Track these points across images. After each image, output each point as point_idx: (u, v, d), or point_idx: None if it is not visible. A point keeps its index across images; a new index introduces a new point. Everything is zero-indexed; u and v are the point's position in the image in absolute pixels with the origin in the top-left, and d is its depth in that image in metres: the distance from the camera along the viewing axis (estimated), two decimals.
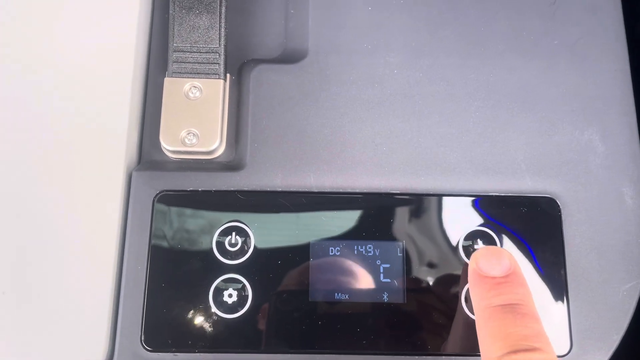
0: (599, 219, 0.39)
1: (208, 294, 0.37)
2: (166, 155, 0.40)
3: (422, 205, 0.39)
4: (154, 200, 0.38)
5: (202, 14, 0.41)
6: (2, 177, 0.38)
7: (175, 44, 0.40)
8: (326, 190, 0.39)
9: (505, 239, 0.38)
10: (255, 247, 0.38)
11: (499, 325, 0.32)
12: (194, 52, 0.40)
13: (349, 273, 0.38)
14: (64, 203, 0.37)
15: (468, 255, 0.38)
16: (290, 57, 0.42)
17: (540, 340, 0.31)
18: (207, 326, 0.37)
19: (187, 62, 0.40)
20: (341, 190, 0.39)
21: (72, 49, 0.40)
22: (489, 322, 0.32)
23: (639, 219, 0.39)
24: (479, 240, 0.38)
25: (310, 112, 0.40)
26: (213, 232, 0.38)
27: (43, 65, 0.40)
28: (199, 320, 0.37)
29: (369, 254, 0.38)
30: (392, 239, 0.38)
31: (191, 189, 0.38)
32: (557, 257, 0.38)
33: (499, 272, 0.34)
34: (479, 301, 0.34)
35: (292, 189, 0.39)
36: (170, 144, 0.39)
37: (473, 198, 0.39)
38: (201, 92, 0.40)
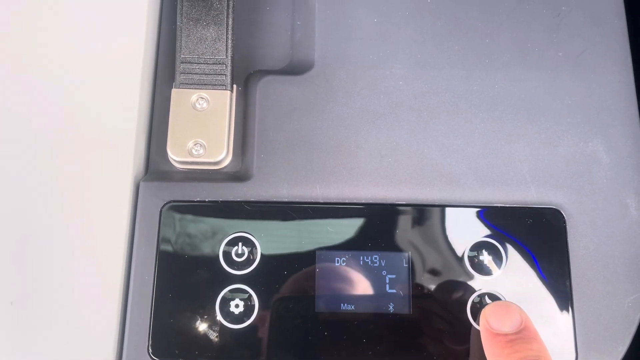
0: (603, 230, 0.39)
1: (215, 304, 0.37)
2: (173, 165, 0.41)
3: (427, 216, 0.39)
4: (161, 211, 0.38)
5: (210, 26, 0.41)
6: (13, 187, 0.38)
7: (182, 55, 0.41)
8: (332, 201, 0.39)
9: (511, 250, 0.38)
10: (261, 257, 0.38)
11: None
12: (201, 63, 0.41)
13: (355, 283, 0.38)
14: (73, 213, 0.38)
15: (473, 266, 0.38)
16: (296, 68, 0.42)
17: None
18: (214, 336, 0.37)
19: (194, 73, 0.41)
20: (347, 201, 0.39)
21: (81, 60, 0.40)
22: None
23: None
24: (484, 250, 0.38)
25: (316, 123, 0.41)
26: (220, 242, 0.38)
27: (51, 76, 0.40)
28: (205, 330, 0.37)
29: (375, 265, 0.38)
30: (398, 249, 0.38)
31: (198, 199, 0.39)
32: (562, 268, 0.38)
33: (511, 329, 0.34)
34: None
35: (298, 200, 0.39)
36: (177, 155, 0.39)
37: (478, 209, 0.39)
38: (208, 103, 0.40)
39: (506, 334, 0.34)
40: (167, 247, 0.38)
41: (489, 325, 0.35)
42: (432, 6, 0.43)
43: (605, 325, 0.38)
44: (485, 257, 0.38)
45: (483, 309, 0.36)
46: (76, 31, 0.41)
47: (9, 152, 0.39)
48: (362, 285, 0.38)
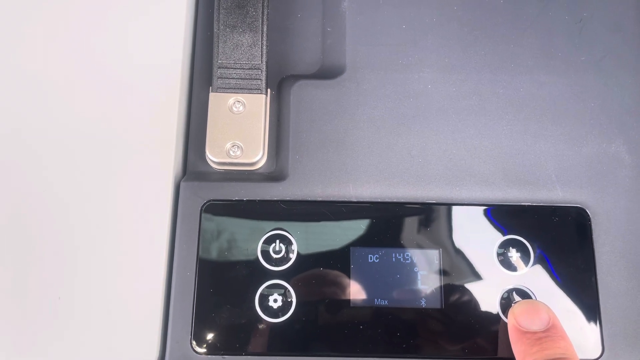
0: (627, 228, 0.40)
1: (254, 299, 0.38)
2: (211, 166, 0.42)
3: (457, 214, 0.40)
4: (201, 210, 0.40)
5: (245, 32, 0.43)
6: (62, 190, 0.40)
7: (219, 61, 0.42)
8: (365, 200, 0.41)
9: (538, 247, 0.40)
10: (298, 254, 0.39)
11: None
12: (238, 68, 0.42)
13: (388, 279, 0.39)
14: (119, 213, 0.39)
15: (502, 263, 0.40)
16: (328, 73, 0.44)
17: None
18: (253, 330, 0.38)
19: (231, 78, 0.42)
20: (379, 200, 0.41)
21: (125, 68, 0.42)
22: None
23: None
24: (512, 248, 0.40)
25: (348, 125, 0.42)
26: (258, 239, 0.40)
27: (97, 83, 0.42)
28: (245, 324, 0.38)
29: (407, 262, 0.40)
30: (429, 247, 0.40)
31: (237, 198, 0.40)
32: (588, 264, 0.40)
33: (539, 327, 0.36)
34: (524, 357, 0.35)
35: (332, 199, 0.41)
36: (216, 156, 0.41)
37: (506, 208, 0.41)
38: (244, 107, 0.42)
39: (534, 332, 0.36)
40: (208, 245, 0.39)
41: (517, 323, 0.36)
42: (459, 13, 0.44)
43: (630, 320, 0.39)
44: (513, 254, 0.40)
45: (511, 308, 0.37)
46: (120, 40, 0.43)
47: (57, 155, 0.40)
48: (394, 281, 0.39)
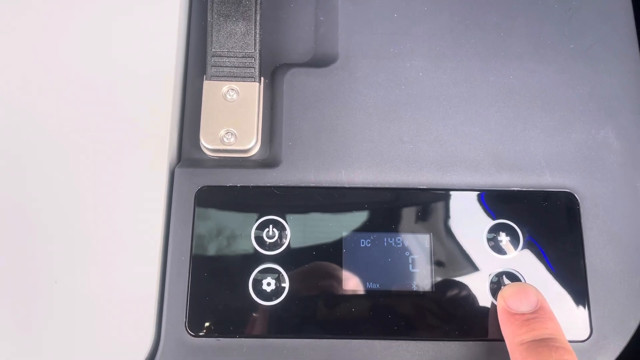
0: (615, 212, 0.41)
1: (248, 283, 0.39)
2: (205, 153, 0.43)
3: (447, 199, 0.41)
4: (195, 195, 0.40)
5: (239, 21, 0.43)
6: (57, 178, 0.40)
7: (213, 49, 0.43)
8: (357, 186, 0.41)
9: (527, 231, 0.40)
10: (291, 238, 0.40)
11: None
12: (231, 56, 0.43)
13: (380, 263, 0.40)
14: (114, 199, 0.40)
15: (492, 247, 0.40)
16: (320, 61, 0.44)
17: None
18: (247, 313, 0.39)
19: (225, 66, 0.43)
20: (371, 186, 0.41)
21: (120, 57, 0.43)
22: (525, 358, 0.34)
23: None
24: (501, 232, 0.40)
25: (340, 113, 0.43)
26: (251, 224, 0.40)
27: (90, 71, 0.42)
28: (239, 307, 0.39)
29: (398, 246, 0.40)
30: (420, 231, 0.40)
31: (230, 184, 0.41)
32: (577, 248, 0.40)
33: (528, 309, 0.36)
34: (513, 338, 0.36)
35: (324, 185, 0.41)
36: (210, 143, 0.42)
37: (496, 193, 0.41)
38: (238, 94, 0.42)
39: (523, 314, 0.36)
40: (202, 230, 0.40)
41: (506, 305, 0.37)
42: (450, 2, 0.45)
43: (618, 302, 0.40)
44: (503, 238, 0.40)
45: (501, 290, 0.38)
46: (115, 29, 0.43)
47: (52, 143, 0.41)
48: (386, 265, 0.40)
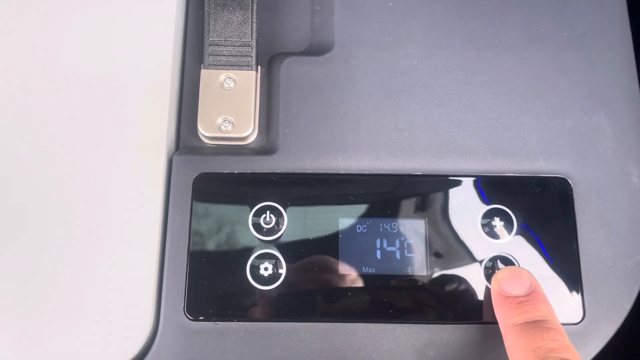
0: (607, 197, 0.42)
1: (245, 268, 0.40)
2: (202, 141, 0.43)
3: (442, 185, 0.42)
4: (193, 182, 0.41)
5: (236, 11, 0.44)
6: (56, 167, 0.41)
7: (210, 38, 0.43)
8: (352, 172, 0.42)
9: (521, 216, 0.41)
10: (288, 224, 0.40)
11: (527, 341, 0.34)
12: (228, 45, 0.43)
13: (375, 248, 0.40)
14: (113, 187, 0.40)
15: (486, 232, 0.41)
16: (316, 50, 0.45)
17: (567, 352, 0.34)
18: (245, 297, 0.39)
19: (222, 55, 0.43)
20: (367, 172, 0.42)
21: (117, 46, 0.43)
22: (518, 339, 0.35)
23: None
24: (496, 217, 0.41)
25: (336, 100, 0.43)
26: (249, 210, 0.41)
27: (88, 61, 0.43)
28: (237, 291, 0.39)
29: (394, 231, 0.41)
30: (415, 216, 0.41)
31: (228, 171, 0.41)
32: (570, 232, 0.41)
33: (521, 292, 0.37)
34: (506, 320, 0.36)
35: (321, 171, 0.42)
36: (207, 131, 0.42)
37: (490, 178, 0.42)
38: (235, 83, 0.43)
39: (516, 297, 0.37)
40: (200, 216, 0.40)
41: (500, 288, 0.38)
42: None
43: (610, 285, 0.40)
44: (497, 223, 0.41)
45: (495, 274, 0.39)
46: (113, 19, 0.44)
47: (50, 133, 0.41)
48: (382, 250, 0.40)
